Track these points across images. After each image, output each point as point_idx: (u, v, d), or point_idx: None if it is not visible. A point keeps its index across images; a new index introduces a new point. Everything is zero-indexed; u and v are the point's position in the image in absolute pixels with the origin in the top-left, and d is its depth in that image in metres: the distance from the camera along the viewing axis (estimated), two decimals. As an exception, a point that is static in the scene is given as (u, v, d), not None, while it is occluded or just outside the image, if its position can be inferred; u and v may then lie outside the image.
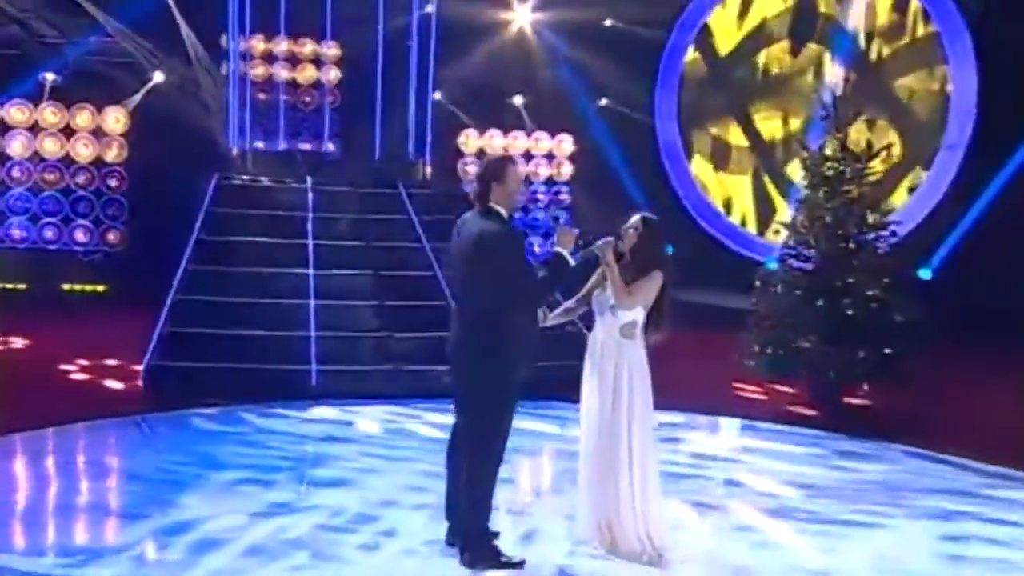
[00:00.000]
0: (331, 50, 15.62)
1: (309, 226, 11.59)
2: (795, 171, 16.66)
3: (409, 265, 11.42)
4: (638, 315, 5.57)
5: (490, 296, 5.24)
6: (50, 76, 14.91)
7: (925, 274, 14.86)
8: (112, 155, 15.36)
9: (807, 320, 9.64)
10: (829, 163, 10.03)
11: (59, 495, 6.77)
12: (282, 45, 15.20)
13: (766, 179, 17.67)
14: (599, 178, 17.47)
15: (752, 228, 17.65)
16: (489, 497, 5.38)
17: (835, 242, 9.77)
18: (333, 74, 15.61)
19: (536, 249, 16.83)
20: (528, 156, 17.98)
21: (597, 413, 5.57)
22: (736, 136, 18.00)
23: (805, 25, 17.16)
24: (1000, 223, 14.53)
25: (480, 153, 17.60)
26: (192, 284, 10.62)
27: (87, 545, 5.72)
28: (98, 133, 15.32)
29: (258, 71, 15.00)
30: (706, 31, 18.18)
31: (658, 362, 5.65)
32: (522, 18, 17.23)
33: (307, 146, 15.32)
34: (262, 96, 14.92)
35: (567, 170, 18.25)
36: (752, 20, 17.64)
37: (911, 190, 15.97)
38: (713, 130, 18.31)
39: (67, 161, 15.21)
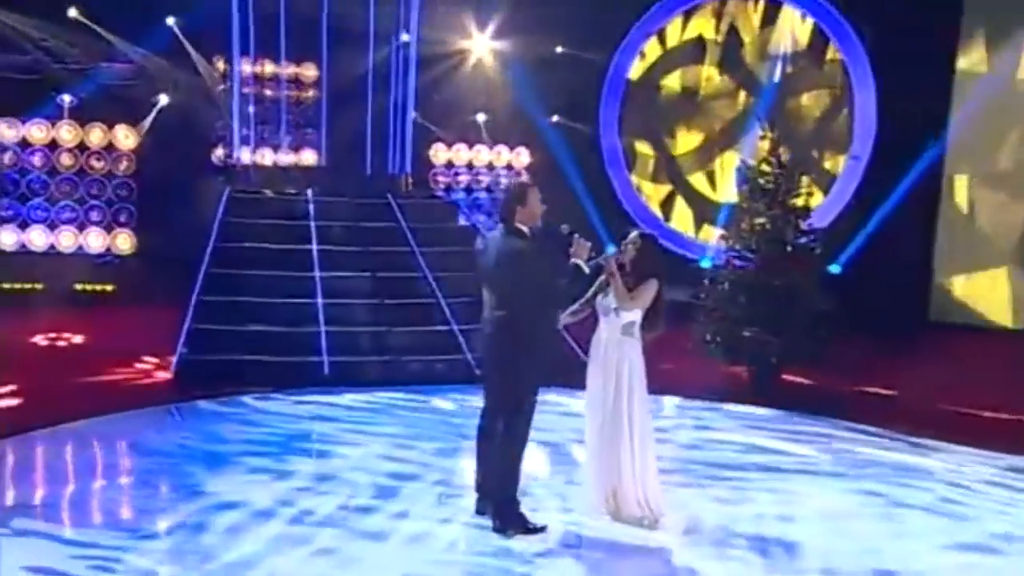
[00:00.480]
0: (323, 73, 15.63)
1: (312, 233, 11.66)
2: (703, 181, 17.53)
3: (401, 267, 11.54)
4: (636, 316, 5.90)
5: (521, 302, 5.51)
6: (67, 98, 14.74)
7: (835, 269, 15.36)
8: (122, 168, 15.22)
9: (750, 313, 10.02)
10: (765, 177, 10.44)
11: (106, 478, 6.77)
12: (286, 69, 15.18)
13: (693, 185, 18.11)
14: (553, 185, 17.65)
15: (684, 229, 18.07)
16: (517, 471, 5.64)
17: (774, 246, 10.17)
18: (326, 94, 15.65)
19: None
20: (490, 167, 18.22)
21: (601, 398, 5.88)
22: (662, 148, 18.38)
23: (731, 52, 17.59)
24: (897, 225, 15.26)
25: (449, 164, 17.83)
26: (212, 286, 10.63)
27: (133, 525, 5.75)
28: (110, 149, 15.19)
29: (258, 91, 14.98)
30: (640, 56, 18.50)
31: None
32: (483, 47, 17.43)
33: (306, 160, 15.33)
34: (262, 114, 14.94)
35: (524, 179, 18.48)
36: (680, 45, 18.01)
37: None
38: (646, 143, 18.63)
39: (81, 174, 15.07)
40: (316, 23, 14.35)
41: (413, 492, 6.42)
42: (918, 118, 15.08)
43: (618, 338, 5.87)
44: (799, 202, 10.29)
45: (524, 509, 5.68)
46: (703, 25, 17.76)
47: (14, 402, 8.72)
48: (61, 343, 11.77)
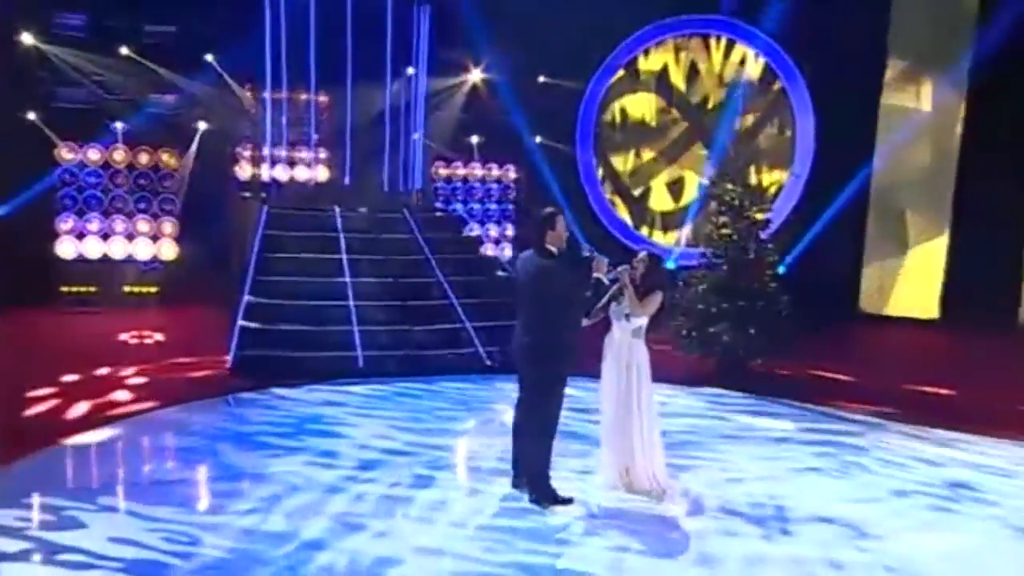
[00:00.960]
0: (347, 102, 15.67)
1: (341, 243, 11.82)
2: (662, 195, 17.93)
3: (419, 273, 11.74)
4: (644, 321, 6.21)
5: (552, 313, 5.78)
6: (119, 124, 14.81)
7: (781, 269, 15.77)
8: (167, 186, 15.31)
9: (720, 311, 10.30)
10: (731, 193, 10.73)
11: (180, 460, 6.83)
12: (318, 96, 15.31)
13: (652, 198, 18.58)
14: (536, 199, 17.94)
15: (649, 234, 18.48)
16: (549, 451, 5.86)
17: (739, 253, 10.47)
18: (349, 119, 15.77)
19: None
20: (483, 181, 18.45)
21: (615, 390, 6.15)
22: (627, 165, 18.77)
23: (681, 82, 18.05)
24: (832, 232, 15.77)
25: (448, 179, 18.06)
26: (259, 290, 10.78)
27: (203, 505, 5.81)
28: (156, 169, 15.25)
29: (291, 116, 15.10)
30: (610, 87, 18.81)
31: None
32: (475, 78, 17.68)
33: (331, 178, 15.48)
34: (294, 136, 15.08)
35: (512, 193, 18.78)
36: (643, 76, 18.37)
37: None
38: (615, 159, 18.97)
39: (131, 191, 15.13)
40: (342, 58, 14.50)
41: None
42: (851, 141, 15.75)
43: (629, 340, 6.18)
44: (759, 216, 10.61)
45: (553, 484, 5.95)
46: (665, 58, 18.15)
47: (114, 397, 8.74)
48: (147, 340, 11.91)
